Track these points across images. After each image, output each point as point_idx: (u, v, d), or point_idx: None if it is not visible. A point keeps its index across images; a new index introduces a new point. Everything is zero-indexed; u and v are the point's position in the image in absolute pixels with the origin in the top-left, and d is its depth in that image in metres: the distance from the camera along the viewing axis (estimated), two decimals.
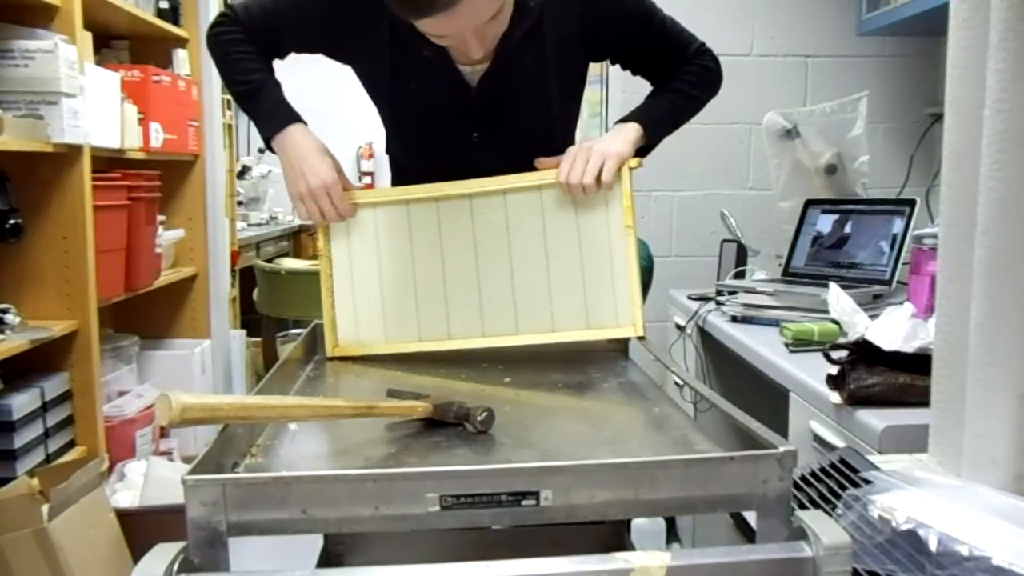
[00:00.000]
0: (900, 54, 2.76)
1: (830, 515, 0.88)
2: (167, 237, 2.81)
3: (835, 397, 1.36)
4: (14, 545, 1.64)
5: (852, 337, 1.55)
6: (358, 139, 5.48)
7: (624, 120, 1.44)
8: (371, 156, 5.59)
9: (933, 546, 0.81)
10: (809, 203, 2.32)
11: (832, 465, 1.11)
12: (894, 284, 2.00)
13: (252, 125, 1.44)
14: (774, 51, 2.77)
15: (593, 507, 0.81)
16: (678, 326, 2.44)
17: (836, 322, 1.71)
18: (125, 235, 2.43)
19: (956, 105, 1.00)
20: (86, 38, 2.21)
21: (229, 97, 3.13)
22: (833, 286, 1.76)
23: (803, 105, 2.62)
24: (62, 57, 2.04)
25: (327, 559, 1.56)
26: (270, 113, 1.40)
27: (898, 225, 2.06)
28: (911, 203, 2.07)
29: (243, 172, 4.42)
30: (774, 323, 1.91)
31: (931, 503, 0.88)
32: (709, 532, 2.29)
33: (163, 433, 2.68)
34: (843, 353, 1.36)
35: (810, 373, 1.50)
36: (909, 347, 1.32)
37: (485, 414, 0.99)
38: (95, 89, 2.23)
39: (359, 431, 1.02)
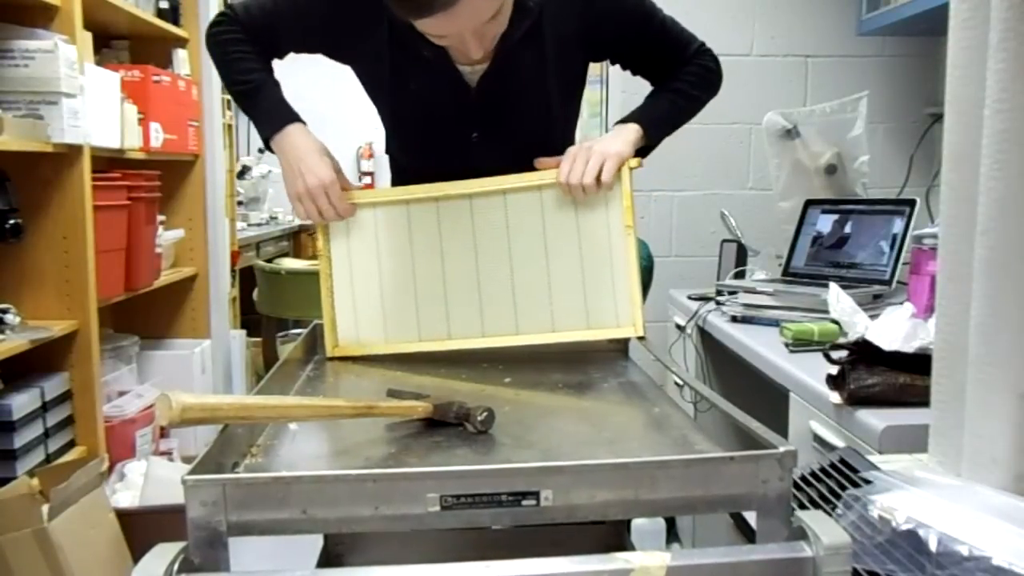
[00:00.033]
0: (900, 54, 2.76)
1: (830, 515, 0.88)
2: (167, 237, 2.81)
3: (835, 397, 1.36)
4: (14, 545, 1.64)
5: (852, 337, 1.55)
6: (358, 139, 5.48)
7: (624, 121, 1.44)
8: (371, 156, 5.60)
9: (933, 546, 0.81)
10: (809, 203, 2.32)
11: (832, 465, 1.11)
12: (894, 284, 2.00)
13: (252, 125, 1.44)
14: (774, 51, 2.77)
15: (593, 507, 0.81)
16: (678, 326, 2.44)
17: (836, 322, 1.71)
18: (125, 235, 2.43)
19: (956, 105, 1.00)
20: (86, 38, 2.21)
21: (229, 97, 3.13)
22: (833, 286, 1.76)
23: (803, 105, 2.62)
24: (62, 57, 2.04)
25: (327, 559, 1.56)
26: (269, 113, 1.40)
27: (898, 225, 2.06)
28: (911, 203, 2.07)
29: (243, 172, 4.42)
30: (774, 323, 1.91)
31: (931, 503, 0.87)
32: (709, 532, 2.29)
33: (163, 433, 2.69)
34: (843, 353, 1.36)
35: (810, 373, 1.50)
36: (909, 347, 1.32)
37: (485, 414, 0.99)
38: (95, 89, 2.23)
39: (359, 431, 1.02)
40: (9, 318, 1.98)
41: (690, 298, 2.40)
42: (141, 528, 1.89)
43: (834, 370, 1.36)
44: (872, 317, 1.60)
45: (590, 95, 2.74)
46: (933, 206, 2.39)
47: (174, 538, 0.78)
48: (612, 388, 1.24)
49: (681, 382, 1.54)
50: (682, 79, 1.49)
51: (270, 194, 4.67)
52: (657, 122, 1.46)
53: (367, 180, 5.57)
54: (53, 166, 2.13)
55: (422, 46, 1.31)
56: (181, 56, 2.91)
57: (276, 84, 1.42)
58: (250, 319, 3.60)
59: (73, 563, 1.68)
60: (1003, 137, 0.91)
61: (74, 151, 2.14)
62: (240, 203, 4.27)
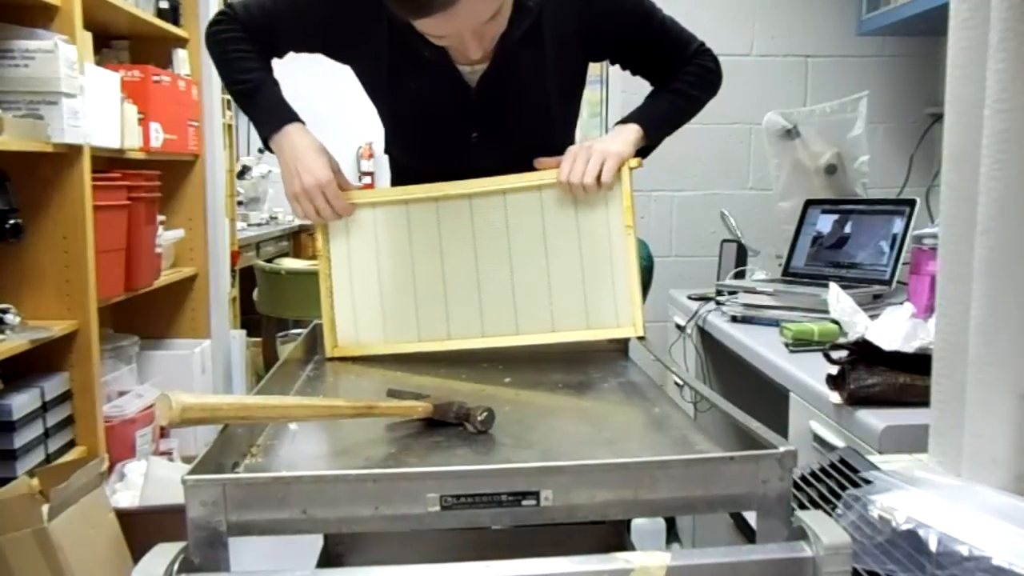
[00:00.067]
0: (900, 54, 2.76)
1: (830, 515, 0.88)
2: (167, 237, 2.81)
3: (835, 397, 1.36)
4: (14, 545, 1.64)
5: (852, 337, 1.55)
6: (358, 139, 5.48)
7: (624, 121, 1.44)
8: (371, 156, 5.60)
9: (933, 546, 0.81)
10: (809, 203, 2.32)
11: (832, 465, 1.11)
12: (894, 284, 2.00)
13: (252, 125, 1.44)
14: (774, 51, 2.77)
15: (593, 507, 0.81)
16: (678, 326, 2.44)
17: (836, 322, 1.71)
18: (125, 235, 2.43)
19: (956, 105, 1.00)
20: (86, 38, 2.21)
21: (229, 97, 3.13)
22: (833, 286, 1.76)
23: (803, 105, 2.62)
24: (62, 57, 2.04)
25: (327, 559, 1.56)
26: (268, 112, 1.40)
27: (898, 225, 2.06)
28: (911, 203, 2.07)
29: (243, 172, 4.42)
30: (774, 323, 1.91)
31: (931, 503, 0.87)
32: (709, 532, 2.29)
33: (163, 433, 2.68)
34: (843, 353, 1.36)
35: (810, 373, 1.50)
36: (909, 347, 1.32)
37: (485, 414, 0.99)
38: (95, 89, 2.23)
39: (359, 431, 1.02)
40: (9, 318, 1.98)
41: (690, 298, 2.40)
42: (141, 528, 1.89)
43: (834, 370, 1.36)
44: (872, 317, 1.60)
45: (590, 95, 2.74)
46: (933, 206, 2.39)
47: (174, 538, 0.78)
48: (612, 388, 1.24)
49: (681, 382, 1.54)
50: (682, 79, 1.49)
51: (270, 194, 4.67)
52: (657, 122, 1.46)
53: (367, 180, 5.57)
54: (53, 166, 2.13)
55: (422, 46, 1.31)
56: (181, 56, 2.91)
57: (275, 83, 1.42)
58: (250, 319, 3.60)
59: (73, 563, 1.68)
60: (1003, 137, 0.91)
61: (74, 151, 2.14)
62: (240, 203, 4.27)
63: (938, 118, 2.57)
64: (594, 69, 1.56)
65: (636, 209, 1.37)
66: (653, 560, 0.75)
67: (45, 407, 2.09)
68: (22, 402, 2.01)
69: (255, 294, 3.50)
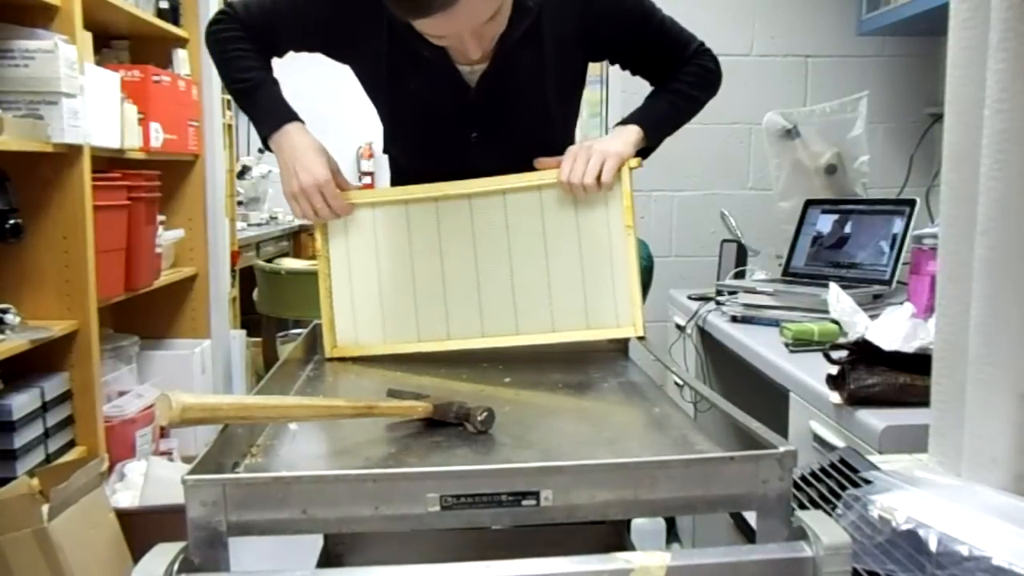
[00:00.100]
0: (900, 54, 2.76)
1: (830, 515, 0.88)
2: (167, 237, 2.81)
3: (835, 397, 1.36)
4: (14, 545, 1.64)
5: (852, 337, 1.55)
6: (358, 139, 5.48)
7: (624, 122, 1.44)
8: (371, 156, 5.60)
9: (933, 546, 0.81)
10: (809, 203, 2.32)
11: (832, 465, 1.11)
12: (894, 284, 2.00)
13: (252, 125, 1.44)
14: (774, 51, 2.77)
15: (593, 507, 0.81)
16: (678, 326, 2.44)
17: (836, 322, 1.71)
18: (125, 235, 2.43)
19: (956, 105, 1.00)
20: (86, 38, 2.21)
21: (229, 97, 3.13)
22: (833, 286, 1.76)
23: (803, 105, 2.62)
24: (62, 57, 2.04)
25: (327, 559, 1.56)
26: (267, 111, 1.40)
27: (898, 225, 2.06)
28: (911, 203, 2.07)
29: (243, 172, 4.42)
30: (774, 323, 1.91)
31: (931, 503, 0.87)
32: (709, 532, 2.29)
33: (163, 433, 2.68)
34: (843, 353, 1.36)
35: (810, 373, 1.50)
36: (909, 347, 1.32)
37: (485, 414, 0.99)
38: (95, 89, 2.23)
39: (359, 431, 1.02)
40: (9, 318, 1.98)
41: (690, 298, 2.40)
42: (141, 528, 1.89)
43: (834, 370, 1.36)
44: (872, 317, 1.60)
45: (590, 95, 2.74)
46: (933, 206, 2.39)
47: (174, 538, 0.78)
48: (612, 388, 1.24)
49: (681, 382, 1.54)
50: (681, 79, 1.49)
51: (270, 194, 4.67)
52: (657, 123, 1.46)
53: (367, 180, 5.57)
54: (53, 166, 2.13)
55: (421, 46, 1.31)
56: (181, 56, 2.91)
57: (275, 83, 1.42)
58: (250, 319, 3.59)
59: (73, 563, 1.68)
60: (1003, 137, 0.91)
61: (74, 151, 2.14)
62: (240, 203, 4.27)
63: (938, 118, 2.57)
64: (594, 69, 1.56)
65: (636, 209, 1.37)
66: (653, 560, 0.75)
67: (45, 407, 2.09)
68: (22, 402, 2.01)
69: (255, 294, 3.50)
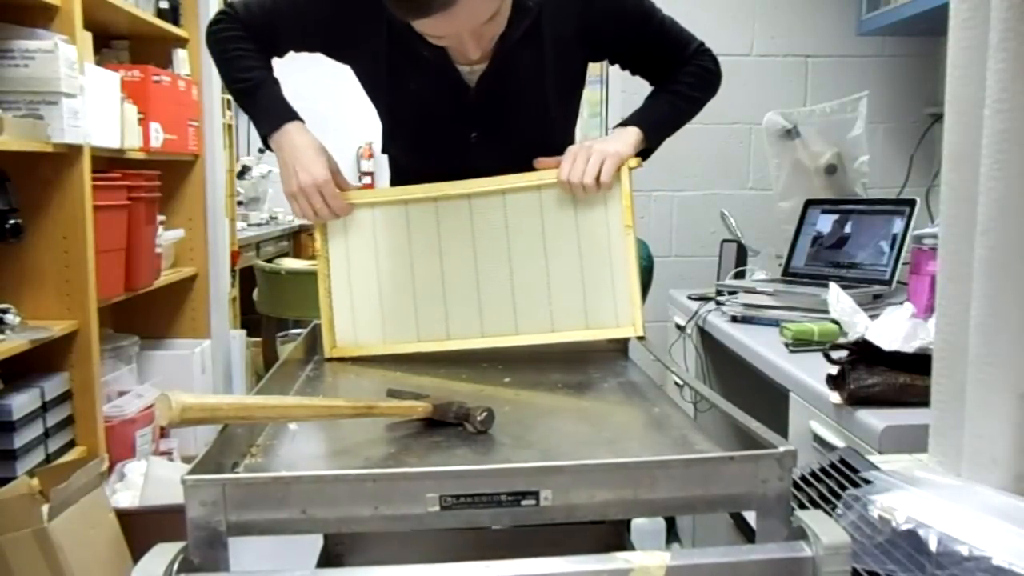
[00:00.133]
0: (900, 54, 2.76)
1: (830, 515, 0.88)
2: (167, 237, 2.81)
3: (835, 397, 1.36)
4: (14, 545, 1.64)
5: (852, 337, 1.55)
6: (358, 139, 5.48)
7: (624, 124, 1.44)
8: (371, 156, 5.60)
9: (933, 546, 0.81)
10: (809, 203, 2.32)
11: (832, 465, 1.11)
12: (894, 284, 2.00)
13: (252, 125, 1.44)
14: (774, 51, 2.77)
15: (593, 507, 0.81)
16: (678, 326, 2.44)
17: (836, 322, 1.71)
18: (125, 235, 2.43)
19: (956, 105, 1.00)
20: (86, 38, 2.21)
21: (229, 97, 3.13)
22: (833, 286, 1.76)
23: (803, 105, 2.62)
24: (62, 57, 2.04)
25: (327, 559, 1.56)
26: (267, 111, 1.40)
27: (898, 225, 2.06)
28: (911, 203, 2.07)
29: (243, 172, 4.42)
30: (774, 323, 1.91)
31: (931, 503, 0.87)
32: (709, 532, 2.29)
33: (163, 433, 2.68)
34: (843, 353, 1.36)
35: (810, 373, 1.50)
36: (909, 347, 1.32)
37: (485, 414, 0.99)
38: (95, 89, 2.23)
39: (359, 431, 1.02)
40: (9, 318, 1.98)
41: (690, 298, 2.40)
42: (141, 528, 1.88)
43: (834, 370, 1.36)
44: (872, 317, 1.60)
45: (590, 95, 2.74)
46: (933, 206, 2.39)
47: (174, 538, 0.78)
48: (612, 388, 1.24)
49: (681, 382, 1.54)
50: (681, 80, 1.49)
51: (270, 194, 4.67)
52: (657, 124, 1.46)
53: (367, 180, 5.57)
54: (53, 166, 2.13)
55: (421, 46, 1.31)
56: (181, 56, 2.91)
57: (275, 82, 1.42)
58: (250, 319, 3.59)
59: (73, 563, 1.68)
60: (1003, 137, 0.91)
61: (74, 151, 2.14)
62: (240, 203, 4.27)
63: (938, 118, 2.57)
64: (594, 69, 1.56)
65: (636, 209, 1.37)
66: (653, 560, 0.75)
67: (45, 407, 2.09)
68: (22, 402, 2.01)
69: (255, 294, 3.50)
